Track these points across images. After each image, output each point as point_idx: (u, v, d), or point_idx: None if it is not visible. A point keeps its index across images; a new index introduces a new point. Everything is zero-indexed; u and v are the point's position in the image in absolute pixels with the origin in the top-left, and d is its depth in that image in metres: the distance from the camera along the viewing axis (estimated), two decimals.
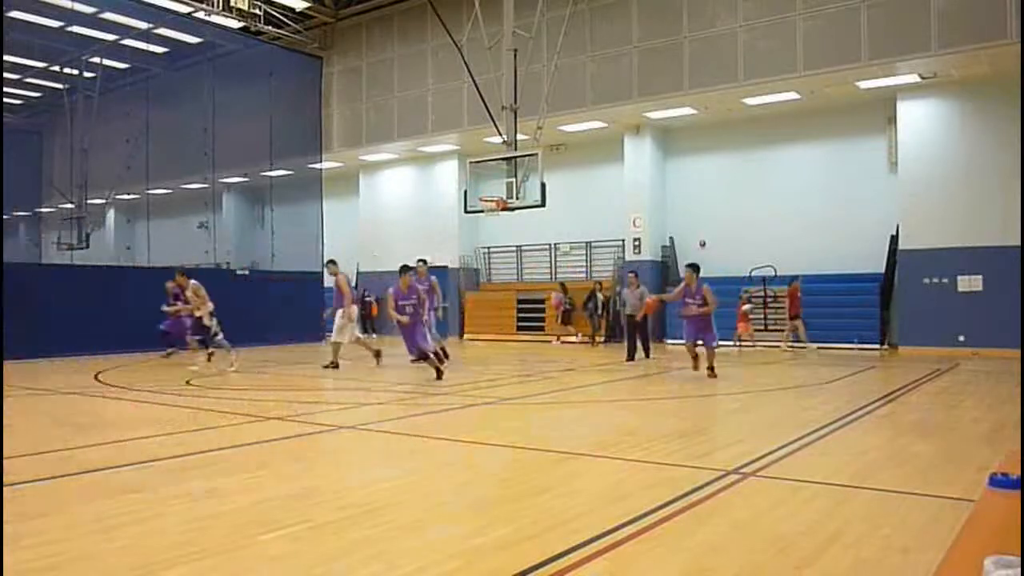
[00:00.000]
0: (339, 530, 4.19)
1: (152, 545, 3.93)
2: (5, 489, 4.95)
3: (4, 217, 38.19)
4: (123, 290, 19.42)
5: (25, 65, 29.34)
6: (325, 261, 16.42)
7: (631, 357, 16.03)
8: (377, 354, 14.70)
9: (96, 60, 28.47)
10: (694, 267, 12.52)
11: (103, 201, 33.02)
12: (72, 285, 18.33)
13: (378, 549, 3.86)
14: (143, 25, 25.26)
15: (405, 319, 12.14)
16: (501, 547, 3.90)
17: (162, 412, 8.85)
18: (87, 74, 29.98)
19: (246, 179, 29.91)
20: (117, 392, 10.97)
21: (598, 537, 4.01)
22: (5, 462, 5.95)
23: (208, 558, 3.72)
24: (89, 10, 23.66)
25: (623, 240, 23.25)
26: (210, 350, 14.59)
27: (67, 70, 29.67)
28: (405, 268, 12.63)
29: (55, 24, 24.67)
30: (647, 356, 16.28)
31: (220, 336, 13.98)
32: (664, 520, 4.36)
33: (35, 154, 35.41)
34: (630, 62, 20.55)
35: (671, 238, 23.02)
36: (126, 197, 32.08)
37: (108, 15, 24.22)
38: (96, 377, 12.90)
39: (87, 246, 32.09)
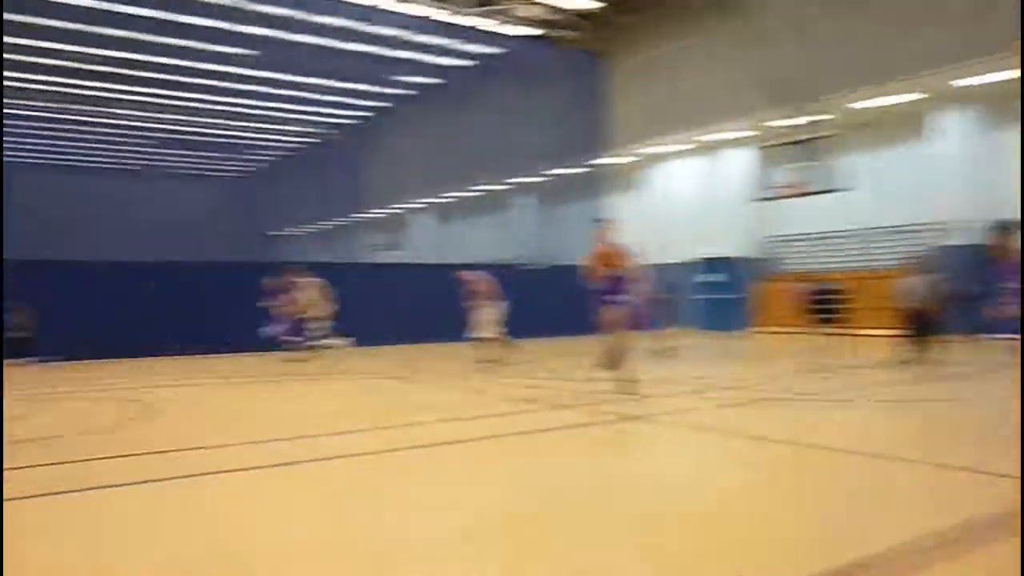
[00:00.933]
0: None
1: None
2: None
3: (329, 224, 43.57)
4: (434, 286, 21.25)
5: (344, 89, 33.11)
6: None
7: (919, 356, 13.34)
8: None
9: (406, 78, 31.43)
10: (1010, 227, 8.36)
11: (414, 206, 36.38)
12: (387, 283, 20.42)
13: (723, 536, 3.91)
14: (446, 42, 27.45)
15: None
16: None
17: (454, 396, 9.59)
18: (398, 91, 33.21)
19: (537, 178, 31.36)
20: (420, 379, 11.97)
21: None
22: (338, 436, 6.82)
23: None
24: (397, 33, 26.20)
25: (935, 223, 21.05)
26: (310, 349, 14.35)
27: (380, 89, 33.09)
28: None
29: (369, 49, 27.66)
30: (925, 355, 13.25)
31: (327, 339, 13.76)
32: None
33: (353, 166, 39.95)
34: (940, 26, 18.53)
35: (996, 220, 20.40)
36: (433, 201, 35.09)
37: (417, 37, 26.64)
38: (410, 365, 14.11)
39: (400, 248, 35.62)
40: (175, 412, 8.73)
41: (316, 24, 25.28)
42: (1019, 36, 14.56)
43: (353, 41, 26.80)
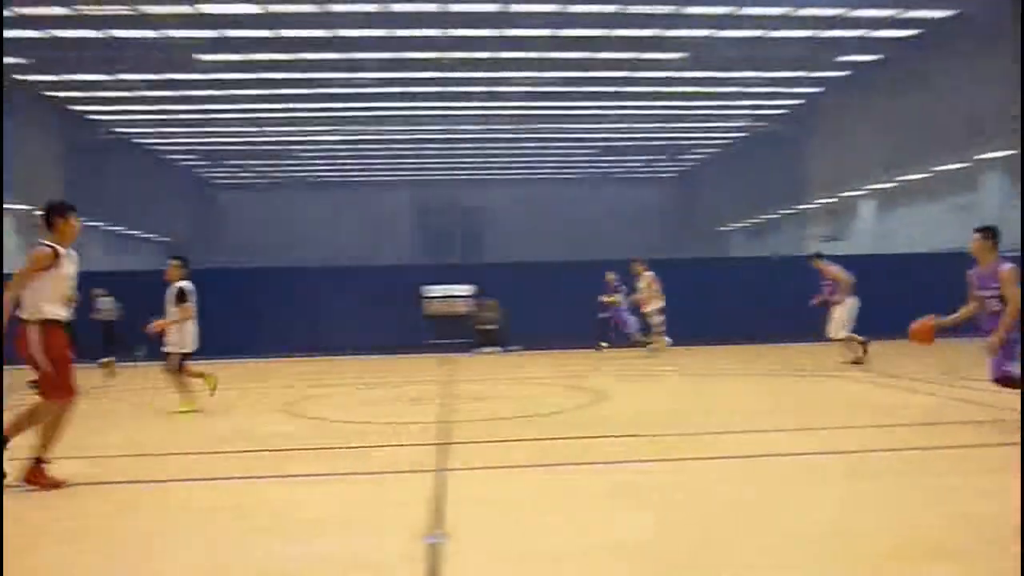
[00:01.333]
0: None
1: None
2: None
3: (769, 217, 42.75)
4: (874, 279, 19.15)
5: (775, 78, 32.21)
6: None
7: None
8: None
9: (842, 59, 29.64)
10: None
11: (857, 193, 34.03)
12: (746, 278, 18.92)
13: None
14: (887, 13, 25.23)
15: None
16: None
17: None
18: (834, 73, 31.41)
19: (1010, 152, 27.14)
20: (872, 377, 11.04)
21: None
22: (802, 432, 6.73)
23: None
24: (832, 12, 24.77)
25: None
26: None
27: (814, 74, 31.62)
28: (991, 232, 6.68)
29: (800, 33, 26.62)
30: None
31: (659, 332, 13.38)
32: None
33: (796, 156, 38.62)
34: None
35: None
36: (878, 187, 32.50)
37: (855, 12, 24.93)
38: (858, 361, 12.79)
39: (842, 238, 33.59)
40: (622, 400, 9.39)
41: (744, 17, 25.13)
42: None
43: (784, 28, 26.08)
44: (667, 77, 31.39)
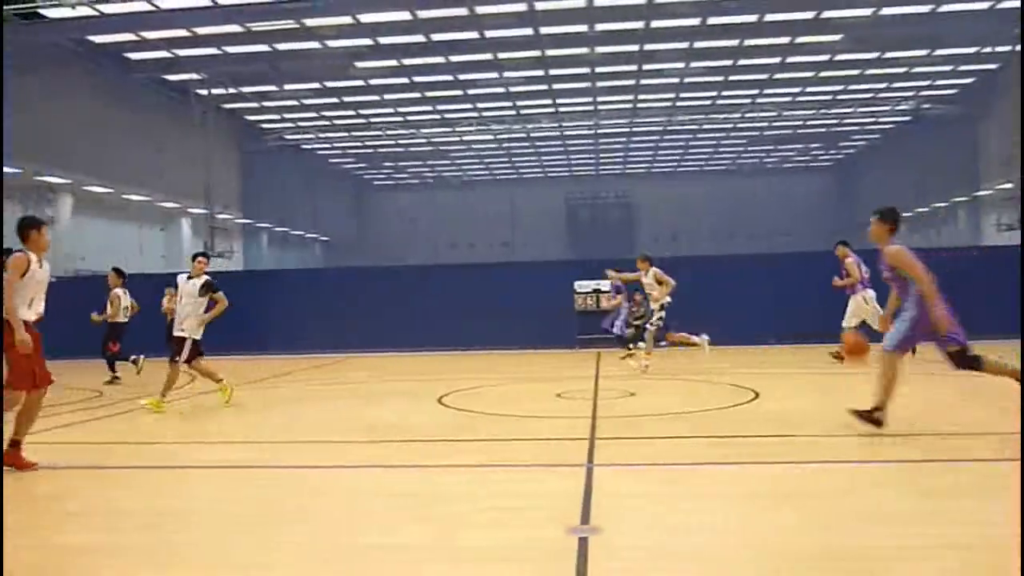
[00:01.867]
0: None
1: None
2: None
3: (942, 204, 39.76)
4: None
5: (942, 56, 29.99)
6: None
7: None
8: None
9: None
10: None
11: None
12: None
13: None
14: None
15: None
16: None
17: None
18: (1017, 47, 28.78)
19: None
20: None
21: None
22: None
23: None
24: None
25: None
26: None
27: (997, 49, 29.16)
28: None
29: (983, 7, 24.63)
30: None
31: (650, 331, 12.45)
32: None
33: (969, 139, 35.73)
34: None
35: None
36: None
37: None
38: None
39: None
40: (775, 398, 9.13)
41: None
42: None
43: (957, 1, 24.19)
44: (823, 61, 29.96)
